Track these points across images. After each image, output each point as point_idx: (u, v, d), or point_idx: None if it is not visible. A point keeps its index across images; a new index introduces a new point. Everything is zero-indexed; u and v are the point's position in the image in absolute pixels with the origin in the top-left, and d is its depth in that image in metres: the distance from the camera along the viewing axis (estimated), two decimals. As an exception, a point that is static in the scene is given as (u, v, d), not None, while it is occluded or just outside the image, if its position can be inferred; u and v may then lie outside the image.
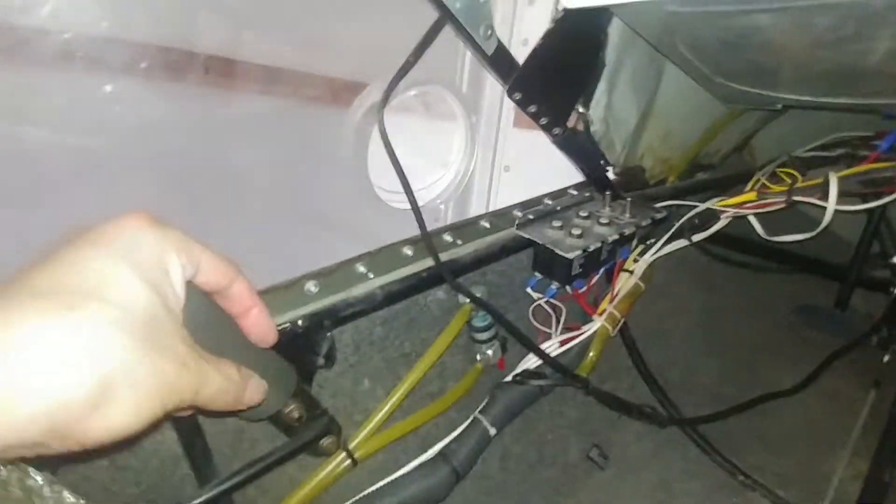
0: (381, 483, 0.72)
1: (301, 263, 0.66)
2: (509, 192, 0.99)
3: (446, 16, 0.62)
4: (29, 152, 0.70)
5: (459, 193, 0.91)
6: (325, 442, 0.64)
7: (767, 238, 0.93)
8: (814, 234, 0.86)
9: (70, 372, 0.25)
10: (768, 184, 0.96)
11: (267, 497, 0.66)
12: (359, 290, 0.66)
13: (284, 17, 0.84)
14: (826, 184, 0.84)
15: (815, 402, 1.09)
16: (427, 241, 0.70)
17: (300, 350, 0.62)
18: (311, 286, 0.64)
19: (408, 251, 0.71)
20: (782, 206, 0.91)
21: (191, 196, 0.81)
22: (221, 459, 0.61)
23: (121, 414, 0.27)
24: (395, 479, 0.73)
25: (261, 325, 0.43)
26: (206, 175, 0.82)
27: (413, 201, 0.68)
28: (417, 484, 0.72)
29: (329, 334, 0.64)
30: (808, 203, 0.87)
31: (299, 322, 0.62)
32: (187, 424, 0.57)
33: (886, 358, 1.14)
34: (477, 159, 0.93)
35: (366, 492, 0.71)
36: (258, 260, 0.81)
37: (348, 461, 0.68)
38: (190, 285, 0.45)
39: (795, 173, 0.93)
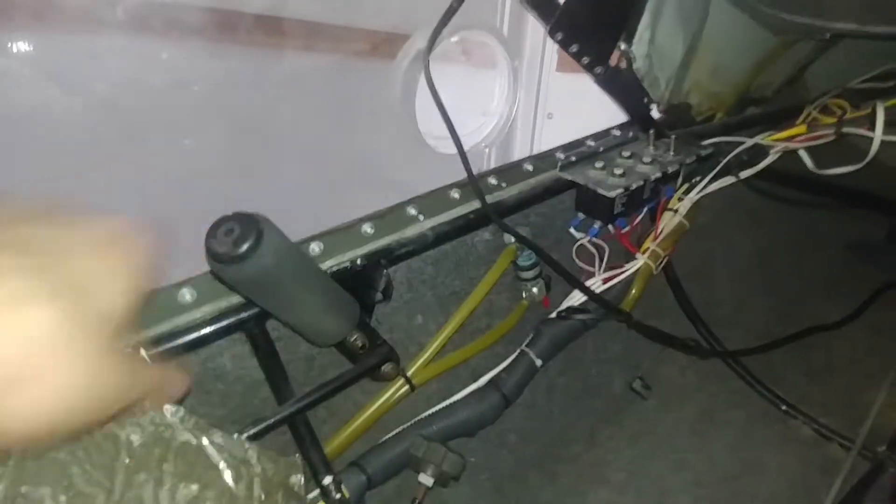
0: (437, 407, 0.78)
1: (356, 209, 0.70)
2: (552, 140, 1.00)
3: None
4: (89, 111, 0.75)
5: (503, 138, 0.92)
6: (386, 368, 0.70)
7: (818, 172, 0.91)
8: (862, 164, 0.84)
9: None
10: (819, 116, 0.93)
11: (336, 418, 0.73)
12: (411, 231, 0.70)
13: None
14: (873, 114, 0.82)
15: (860, 335, 1.08)
16: (474, 184, 0.72)
17: (360, 286, 0.67)
18: (367, 228, 0.68)
19: (455, 194, 0.74)
20: (832, 137, 0.88)
21: (247, 150, 0.86)
22: (295, 385, 0.67)
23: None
24: (450, 403, 0.78)
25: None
26: (260, 131, 0.86)
27: (459, 145, 0.70)
28: (470, 408, 0.77)
29: (385, 271, 0.69)
30: (857, 134, 0.84)
31: (358, 261, 0.66)
32: (267, 352, 0.64)
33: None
34: (519, 105, 0.94)
35: (423, 414, 0.77)
36: (315, 206, 0.87)
37: (406, 386, 0.74)
38: (269, 224, 0.50)
39: (846, 104, 0.90)
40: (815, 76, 1.08)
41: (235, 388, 0.65)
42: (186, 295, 0.59)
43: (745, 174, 0.95)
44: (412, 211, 0.72)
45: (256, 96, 0.86)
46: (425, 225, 0.71)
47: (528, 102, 0.95)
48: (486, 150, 0.92)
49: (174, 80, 0.80)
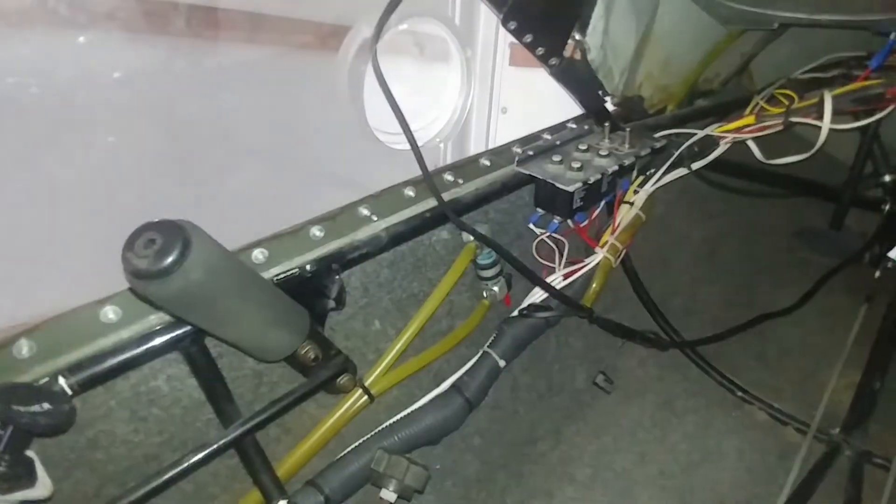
0: (399, 416, 0.72)
1: (303, 210, 0.63)
2: (507, 134, 0.96)
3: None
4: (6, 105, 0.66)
5: (458, 132, 0.87)
6: (342, 380, 0.64)
7: (766, 162, 0.90)
8: (811, 153, 0.83)
9: None
10: (767, 106, 0.92)
11: (290, 436, 0.67)
12: (364, 233, 0.64)
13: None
14: (821, 103, 0.81)
15: (810, 319, 1.09)
16: (429, 181, 0.67)
17: (311, 294, 0.61)
18: (316, 231, 0.62)
19: (410, 192, 0.69)
20: (780, 127, 0.87)
21: (182, 149, 0.77)
22: (243, 403, 0.60)
23: None
24: (412, 411, 0.73)
25: None
26: (197, 127, 0.78)
27: (412, 140, 0.64)
28: (433, 415, 0.72)
29: (338, 277, 0.62)
30: (805, 123, 0.83)
31: (307, 267, 0.60)
32: (207, 371, 0.56)
33: (878, 274, 1.13)
34: (474, 100, 0.89)
35: (384, 425, 0.71)
36: (260, 209, 0.79)
37: (365, 397, 0.68)
38: (198, 233, 0.43)
39: (793, 94, 0.89)
40: (760, 68, 1.07)
41: (174, 412, 0.58)
42: (110, 313, 0.51)
43: (696, 165, 0.93)
44: (365, 211, 0.66)
45: (192, 90, 0.78)
46: (379, 226, 0.65)
47: (482, 97, 0.90)
48: (441, 145, 0.86)
49: (93, 73, 0.70)
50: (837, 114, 0.78)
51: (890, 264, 1.09)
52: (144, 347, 0.52)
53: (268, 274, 0.58)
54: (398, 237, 0.67)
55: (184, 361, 0.56)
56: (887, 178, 1.09)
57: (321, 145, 0.81)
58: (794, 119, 0.82)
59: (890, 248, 1.09)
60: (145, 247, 0.41)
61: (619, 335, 0.91)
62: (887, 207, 1.05)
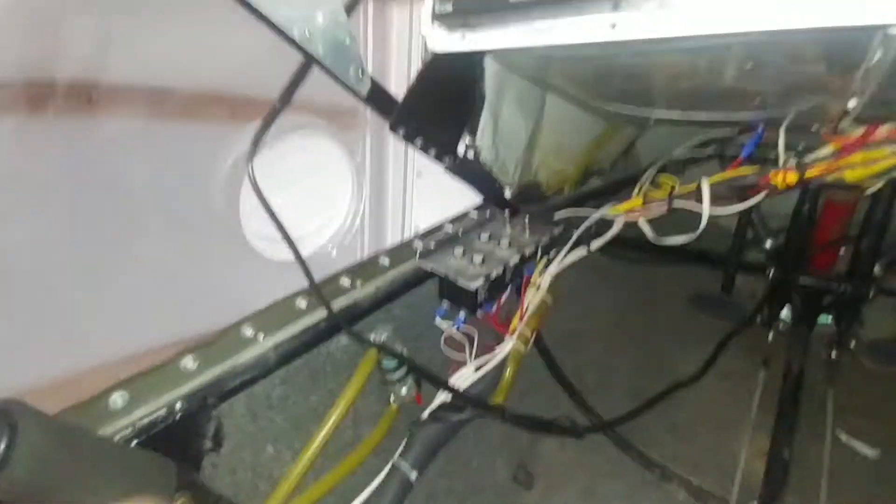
0: (297, 557, 0.62)
1: (177, 332, 0.55)
2: (423, 196, 0.94)
3: (312, 61, 0.54)
4: None
5: (351, 237, 0.82)
6: (224, 532, 0.54)
7: (656, 242, 0.92)
8: (695, 235, 0.86)
9: None
10: (652, 189, 0.94)
11: None
12: (247, 356, 0.56)
13: (146, 33, 0.70)
14: (699, 191, 0.84)
15: (714, 385, 1.10)
16: (317, 293, 0.60)
17: (182, 437, 0.52)
18: (187, 362, 0.53)
19: (301, 304, 0.62)
20: (664, 211, 0.89)
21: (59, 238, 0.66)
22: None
23: None
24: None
25: None
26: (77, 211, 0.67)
27: (296, 251, 0.58)
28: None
29: (215, 412, 0.54)
30: (687, 209, 0.86)
31: (177, 406, 0.51)
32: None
33: (771, 337, 1.17)
34: (390, 164, 0.87)
35: (280, 570, 0.61)
36: (116, 338, 0.68)
37: (256, 543, 0.58)
38: (25, 413, 0.34)
39: (674, 180, 0.92)
40: (644, 148, 1.12)
41: None
42: None
43: (595, 245, 0.93)
44: (248, 331, 0.58)
45: (64, 171, 0.67)
46: (266, 345, 0.58)
47: (397, 162, 0.89)
48: (333, 251, 0.81)
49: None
50: (716, 198, 0.80)
51: (781, 325, 1.13)
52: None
53: (128, 419, 0.49)
54: (290, 354, 0.60)
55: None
56: (768, 244, 1.14)
57: (203, 255, 0.73)
58: (677, 204, 0.85)
59: (779, 310, 1.14)
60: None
61: (534, 430, 0.86)
62: (771, 273, 1.09)
